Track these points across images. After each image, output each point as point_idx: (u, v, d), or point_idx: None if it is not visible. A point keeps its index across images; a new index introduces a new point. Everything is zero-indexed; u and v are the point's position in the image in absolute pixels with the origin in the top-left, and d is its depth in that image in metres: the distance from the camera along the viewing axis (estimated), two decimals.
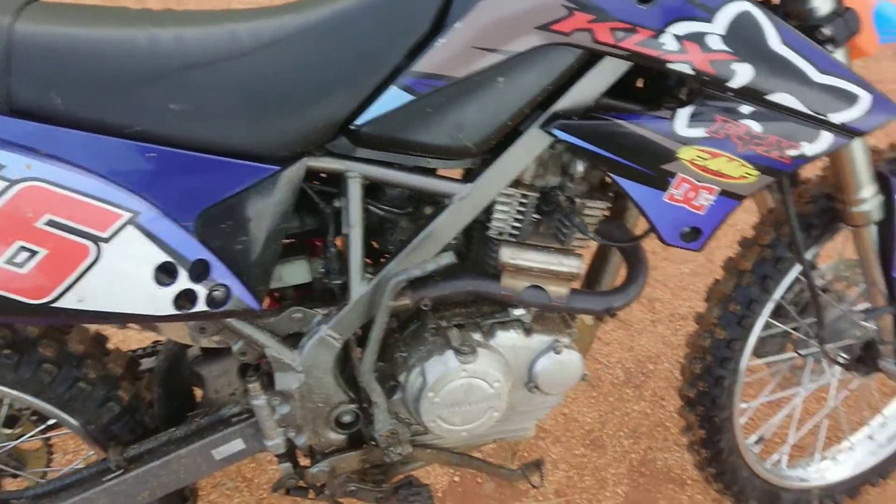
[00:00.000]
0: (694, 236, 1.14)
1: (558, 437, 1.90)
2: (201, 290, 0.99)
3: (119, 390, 1.21)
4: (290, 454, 1.24)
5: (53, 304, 0.91)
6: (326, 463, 1.23)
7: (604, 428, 1.93)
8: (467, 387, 1.17)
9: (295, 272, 1.15)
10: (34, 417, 1.30)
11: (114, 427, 1.22)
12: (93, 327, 1.24)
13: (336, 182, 1.08)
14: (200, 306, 1.00)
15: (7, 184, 0.85)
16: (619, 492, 1.81)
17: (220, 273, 1.00)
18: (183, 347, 1.26)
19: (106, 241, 0.91)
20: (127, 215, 0.91)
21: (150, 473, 1.18)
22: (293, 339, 1.13)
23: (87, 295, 0.92)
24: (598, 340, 2.12)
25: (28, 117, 0.86)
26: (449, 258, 1.07)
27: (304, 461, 1.30)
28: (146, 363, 1.33)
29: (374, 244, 1.20)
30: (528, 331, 1.22)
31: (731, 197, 1.10)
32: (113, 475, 1.17)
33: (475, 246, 1.23)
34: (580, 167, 1.10)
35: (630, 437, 1.92)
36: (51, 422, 1.28)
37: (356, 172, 1.03)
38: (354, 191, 1.04)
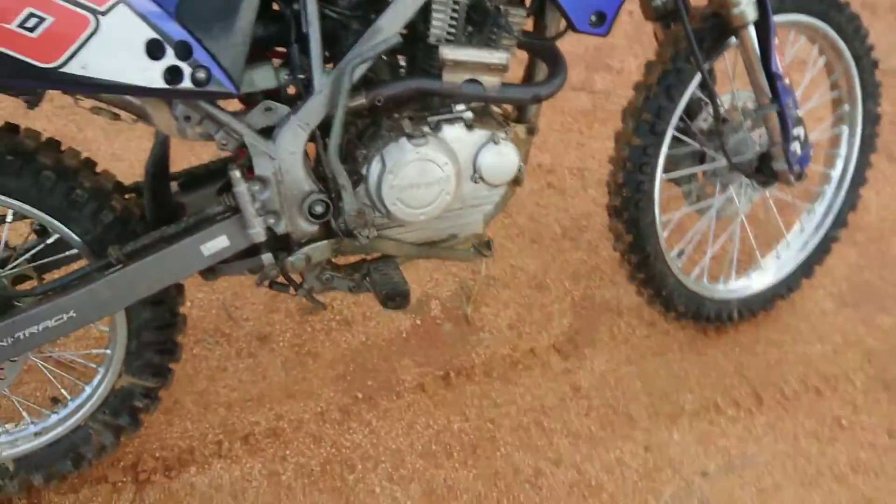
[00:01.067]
0: (599, 22, 1.36)
1: (507, 283, 2.11)
2: (186, 69, 1.15)
3: (112, 201, 1.36)
4: (269, 246, 1.40)
5: (61, 69, 1.06)
6: (302, 252, 1.40)
7: (546, 274, 2.14)
8: (421, 168, 1.36)
9: (263, 77, 1.30)
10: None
11: (109, 236, 1.37)
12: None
13: None
14: (186, 83, 1.16)
15: None
16: (563, 322, 2.03)
17: (201, 56, 1.16)
18: (164, 165, 1.41)
19: (103, 14, 1.07)
20: None
21: (146, 266, 1.33)
22: (266, 132, 1.30)
23: (89, 62, 1.08)
24: (536, 204, 2.34)
25: None
26: (396, 38, 1.26)
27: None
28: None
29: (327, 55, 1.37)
30: (469, 126, 1.41)
31: None
32: (114, 269, 1.32)
33: (418, 61, 1.41)
34: None
35: (570, 279, 2.14)
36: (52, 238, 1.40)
37: None
38: None
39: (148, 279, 1.35)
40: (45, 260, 1.45)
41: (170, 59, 1.13)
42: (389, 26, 1.28)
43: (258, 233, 1.35)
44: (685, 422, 1.86)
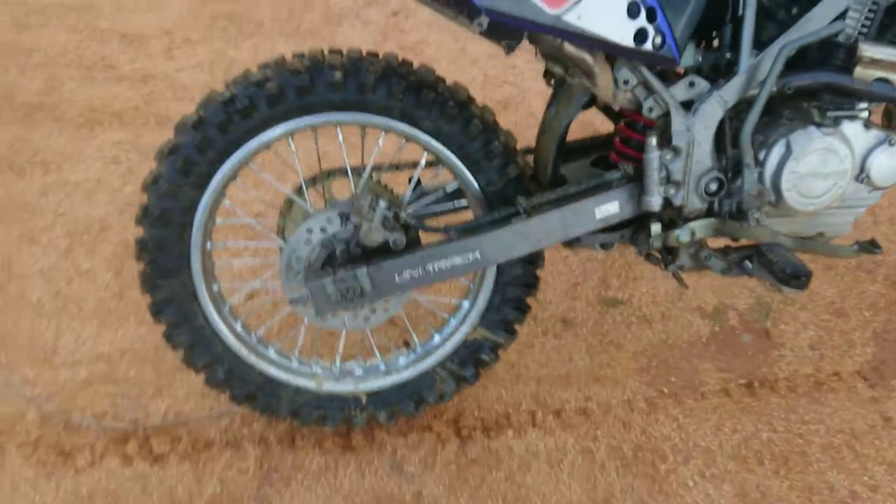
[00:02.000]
0: None
1: (804, 304, 2.07)
2: (651, 32, 1.23)
3: (517, 158, 1.46)
4: (658, 217, 1.45)
5: (563, 17, 1.17)
6: (688, 227, 1.45)
7: (844, 300, 2.09)
8: (823, 157, 1.38)
9: (687, 53, 1.38)
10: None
11: (508, 191, 1.46)
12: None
13: None
14: (647, 46, 1.24)
15: None
16: (867, 351, 1.96)
17: (661, 22, 1.24)
18: (563, 136, 1.50)
19: None
20: None
21: (547, 220, 1.41)
22: (685, 106, 1.36)
23: (583, 14, 1.18)
24: None
25: None
26: (840, 25, 1.30)
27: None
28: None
29: None
30: (867, 125, 1.42)
31: None
32: (519, 218, 1.41)
33: (821, 55, 1.43)
34: None
35: (869, 310, 2.07)
36: (451, 186, 1.52)
37: None
38: None
39: (546, 233, 1.42)
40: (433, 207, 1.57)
41: (641, 20, 1.22)
42: (821, 17, 1.32)
43: (655, 201, 1.40)
44: None
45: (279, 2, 3.26)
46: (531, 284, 1.58)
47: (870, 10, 1.36)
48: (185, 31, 3.02)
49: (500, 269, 1.55)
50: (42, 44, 2.96)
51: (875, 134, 1.43)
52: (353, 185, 1.48)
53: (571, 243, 1.53)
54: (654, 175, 1.38)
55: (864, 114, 1.43)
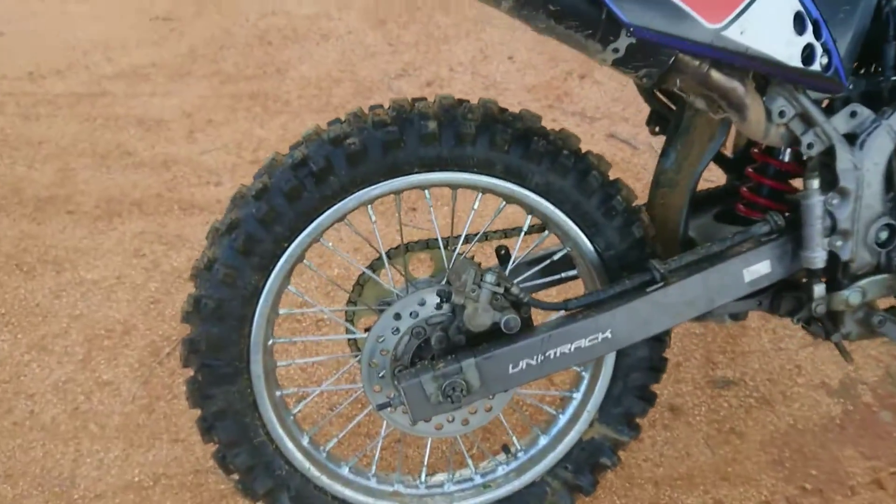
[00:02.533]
0: None
1: None
2: (818, 50, 1.01)
3: (641, 215, 1.22)
4: (824, 273, 1.19)
5: (723, 32, 0.95)
6: (858, 286, 1.19)
7: None
8: None
9: None
10: None
11: (630, 255, 1.21)
12: None
13: None
14: (815, 66, 1.02)
15: None
16: None
17: (827, 39, 1.02)
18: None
19: None
20: None
21: (688, 287, 1.15)
22: (849, 140, 1.13)
23: (747, 27, 0.95)
24: None
25: None
26: None
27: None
28: None
29: None
30: None
31: None
32: (655, 287, 1.15)
33: None
34: None
35: None
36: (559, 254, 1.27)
37: None
38: None
39: (688, 303, 1.17)
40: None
41: (808, 36, 1.00)
42: None
43: (818, 257, 1.15)
44: None
45: (306, 78, 3.08)
46: (659, 368, 1.30)
47: None
48: (207, 113, 2.81)
49: (622, 351, 1.28)
50: (52, 134, 2.75)
51: None
52: (444, 259, 1.23)
53: (701, 316, 1.27)
54: (816, 224, 1.14)
55: None
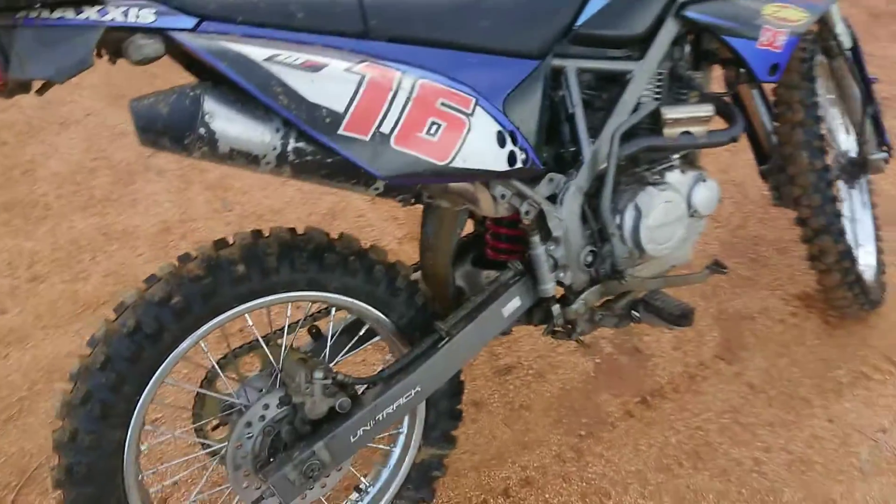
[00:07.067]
0: (774, 72, 1.69)
1: None
2: (518, 153, 1.38)
3: (418, 285, 1.54)
4: (555, 299, 1.60)
5: (451, 164, 1.27)
6: (582, 298, 1.62)
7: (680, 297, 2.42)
8: (666, 208, 1.61)
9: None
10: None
11: (419, 318, 1.53)
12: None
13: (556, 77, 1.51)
14: (518, 164, 1.38)
15: (412, 80, 1.22)
16: (714, 335, 2.29)
17: (522, 141, 1.39)
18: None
19: (471, 115, 1.29)
20: (474, 98, 1.30)
21: (468, 335, 1.50)
22: (551, 199, 1.53)
23: (467, 156, 1.29)
24: None
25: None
26: (653, 105, 1.54)
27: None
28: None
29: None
30: (682, 171, 1.70)
31: (794, 36, 1.67)
32: (443, 342, 1.48)
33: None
34: (688, 48, 1.62)
35: (702, 298, 2.42)
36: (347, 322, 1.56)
37: (573, 66, 1.48)
38: (573, 79, 1.49)
39: (469, 347, 1.52)
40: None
41: (508, 145, 1.36)
42: (631, 99, 1.56)
43: (549, 288, 1.56)
44: (847, 392, 2.15)
45: (58, 175, 2.96)
46: (458, 392, 1.65)
47: (658, 80, 1.62)
48: None
49: None
50: None
51: (691, 175, 1.70)
52: (272, 358, 1.46)
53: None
54: (544, 266, 1.54)
55: (677, 162, 1.70)
